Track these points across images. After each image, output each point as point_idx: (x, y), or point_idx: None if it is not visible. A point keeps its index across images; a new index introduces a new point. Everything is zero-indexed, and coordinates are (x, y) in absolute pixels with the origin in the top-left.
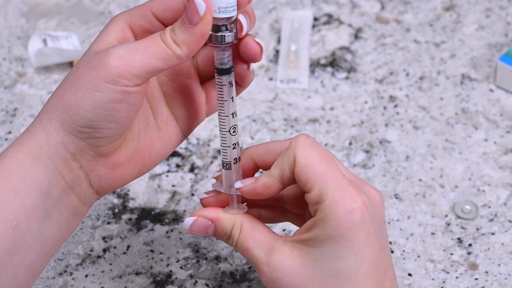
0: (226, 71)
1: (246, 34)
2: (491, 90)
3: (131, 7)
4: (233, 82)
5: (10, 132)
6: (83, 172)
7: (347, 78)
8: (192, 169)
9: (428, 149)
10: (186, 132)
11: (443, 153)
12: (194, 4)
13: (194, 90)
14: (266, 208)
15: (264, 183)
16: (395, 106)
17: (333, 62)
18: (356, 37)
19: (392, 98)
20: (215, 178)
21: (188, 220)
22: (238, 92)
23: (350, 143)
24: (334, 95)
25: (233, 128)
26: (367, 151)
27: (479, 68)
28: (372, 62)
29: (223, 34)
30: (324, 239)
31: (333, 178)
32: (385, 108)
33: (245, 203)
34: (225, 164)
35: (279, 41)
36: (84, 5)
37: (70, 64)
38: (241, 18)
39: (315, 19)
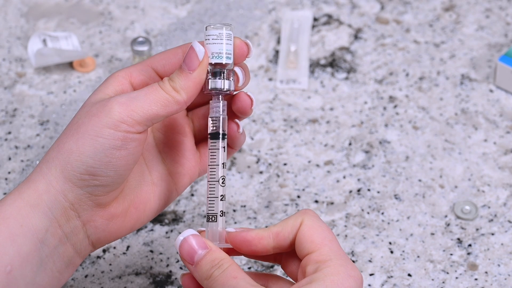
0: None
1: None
2: (491, 91)
3: (130, 8)
4: (226, 132)
5: (9, 133)
6: (81, 222)
7: (346, 78)
8: None
9: (428, 149)
10: (179, 189)
11: (442, 154)
12: (194, 50)
13: (189, 148)
14: None
15: (257, 233)
16: (395, 106)
17: (333, 63)
18: (356, 37)
19: (391, 99)
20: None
21: (187, 232)
22: (229, 155)
23: (350, 144)
24: (333, 96)
25: (222, 179)
26: (366, 152)
27: (479, 68)
28: (372, 62)
29: (221, 80)
30: None
31: (339, 248)
32: (384, 108)
33: None
34: (210, 217)
35: (278, 42)
36: (84, 6)
37: (70, 64)
38: (238, 70)
39: (315, 19)
